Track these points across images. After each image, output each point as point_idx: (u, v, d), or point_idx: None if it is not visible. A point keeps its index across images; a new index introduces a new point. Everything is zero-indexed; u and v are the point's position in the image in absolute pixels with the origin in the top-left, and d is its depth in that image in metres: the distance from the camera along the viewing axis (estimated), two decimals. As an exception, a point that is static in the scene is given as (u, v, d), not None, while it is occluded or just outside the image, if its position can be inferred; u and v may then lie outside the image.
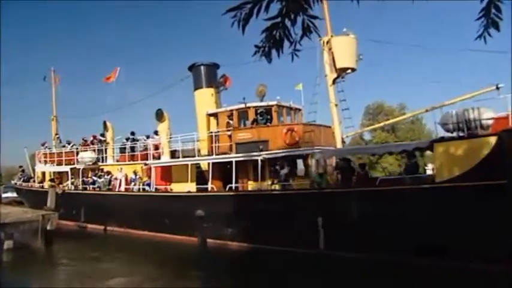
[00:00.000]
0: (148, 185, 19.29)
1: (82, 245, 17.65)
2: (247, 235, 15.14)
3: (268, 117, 17.08)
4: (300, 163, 17.13)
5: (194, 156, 18.87)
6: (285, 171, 15.44)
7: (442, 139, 12.08)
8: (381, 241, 11.79)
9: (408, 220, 11.44)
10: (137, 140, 21.99)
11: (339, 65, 16.09)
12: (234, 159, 16.64)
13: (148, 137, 21.69)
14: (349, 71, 16.31)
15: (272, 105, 17.24)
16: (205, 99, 20.09)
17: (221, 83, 20.34)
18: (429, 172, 16.58)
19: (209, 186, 17.55)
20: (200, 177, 18.92)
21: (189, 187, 18.23)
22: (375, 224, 11.90)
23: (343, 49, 16.13)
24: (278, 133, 16.03)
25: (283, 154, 15.46)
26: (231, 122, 17.31)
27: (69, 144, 25.51)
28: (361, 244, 12.05)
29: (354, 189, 12.57)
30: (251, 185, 16.98)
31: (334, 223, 12.94)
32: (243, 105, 17.55)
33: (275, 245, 13.86)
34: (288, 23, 3.62)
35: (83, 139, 25.33)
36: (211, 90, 20.20)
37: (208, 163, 17.93)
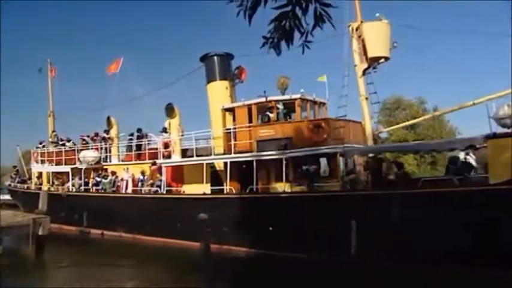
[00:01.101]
0: (159, 186, 18.48)
1: (76, 251, 17.12)
2: (266, 241, 14.43)
3: (285, 111, 16.21)
4: (323, 162, 16.39)
5: (207, 155, 18.09)
6: (312, 170, 14.66)
7: (495, 135, 11.28)
8: (427, 249, 11.06)
9: (461, 227, 10.67)
10: (143, 137, 21.15)
11: (370, 54, 15.30)
12: (255, 158, 15.83)
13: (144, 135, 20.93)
14: (382, 60, 15.49)
15: (295, 99, 16.41)
16: (219, 92, 19.22)
17: (236, 75, 19.53)
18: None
19: (227, 187, 16.77)
20: (214, 178, 18.15)
21: (203, 189, 17.44)
22: (421, 230, 11.15)
23: (375, 36, 15.32)
24: (304, 129, 15.21)
25: (311, 152, 14.64)
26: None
27: (68, 141, 24.60)
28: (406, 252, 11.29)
29: (400, 192, 11.77)
30: (272, 187, 16.17)
31: (370, 229, 12.16)
32: (263, 99, 16.71)
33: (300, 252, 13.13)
34: (298, 11, 3.46)
35: (81, 138, 24.42)
36: (226, 83, 19.34)
37: (225, 163, 17.12)
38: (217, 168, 18.71)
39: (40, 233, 15.99)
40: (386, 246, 11.68)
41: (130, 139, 21.41)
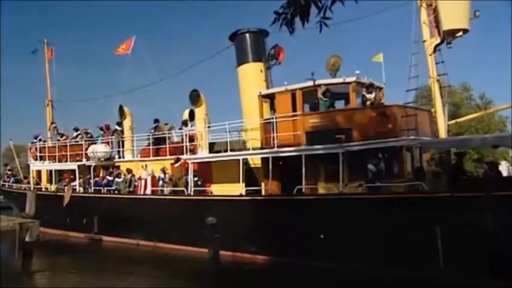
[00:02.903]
0: (187, 186, 17.04)
1: (76, 261, 16.38)
2: (314, 250, 13.28)
3: (325, 99, 14.68)
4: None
5: (239, 149, 16.79)
6: (379, 168, 13.21)
7: None
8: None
9: None
10: (159, 130, 19.71)
11: (446, 26, 13.70)
12: (304, 153, 14.36)
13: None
14: (459, 33, 13.89)
15: (350, 82, 14.89)
16: (252, 76, 18.12)
17: (273, 56, 18.16)
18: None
19: (268, 187, 15.33)
20: (248, 176, 16.73)
21: (237, 189, 15.99)
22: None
23: (451, 3, 13.69)
24: (366, 118, 13.72)
25: (379, 145, 13.15)
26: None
27: (76, 131, 23.05)
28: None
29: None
30: (324, 187, 14.69)
31: (465, 239, 10.72)
32: (310, 83, 15.20)
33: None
34: None
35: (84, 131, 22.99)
36: (260, 65, 18.20)
37: (264, 159, 15.69)
38: (252, 165, 17.36)
39: (27, 239, 15.25)
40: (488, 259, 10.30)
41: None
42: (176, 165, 17.65)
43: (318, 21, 3.52)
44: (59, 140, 23.57)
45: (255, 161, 17.24)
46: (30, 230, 15.35)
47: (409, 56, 14.59)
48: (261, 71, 18.00)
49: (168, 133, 19.08)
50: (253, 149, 16.21)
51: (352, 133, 13.80)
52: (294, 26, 3.63)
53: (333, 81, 15.14)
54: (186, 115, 19.71)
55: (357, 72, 15.03)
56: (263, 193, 15.88)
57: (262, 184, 16.05)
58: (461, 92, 35.84)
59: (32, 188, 24.71)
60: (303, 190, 14.34)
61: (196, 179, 17.01)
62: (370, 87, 14.53)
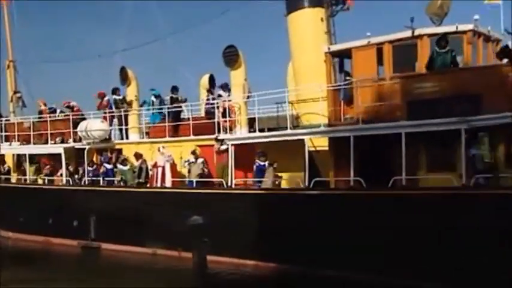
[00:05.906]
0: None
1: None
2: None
3: (443, 50, 11.97)
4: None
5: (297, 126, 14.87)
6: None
7: None
8: None
9: None
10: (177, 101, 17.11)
11: None
12: (405, 130, 11.77)
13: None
14: None
15: (465, 32, 12.28)
16: (309, 27, 15.43)
17: (339, -1, 15.76)
18: None
19: (354, 178, 12.66)
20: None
21: (296, 180, 13.92)
22: None
23: None
24: (502, 81, 11.06)
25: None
26: None
27: (52, 112, 20.33)
28: None
29: None
30: (424, 179, 12.17)
31: None
32: (407, 33, 12.53)
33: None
34: None
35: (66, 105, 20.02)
36: (321, 12, 15.56)
37: (339, 139, 13.17)
38: (311, 149, 14.72)
39: None
40: None
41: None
42: (216, 146, 14.92)
43: None
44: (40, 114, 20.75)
45: (316, 142, 14.59)
46: None
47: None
48: (322, 19, 15.35)
49: (195, 105, 16.49)
50: (324, 125, 13.46)
51: (479, 102, 11.14)
52: None
53: (441, 31, 12.40)
54: (205, 81, 17.39)
55: (476, 17, 12.43)
56: (332, 185, 13.58)
57: (331, 174, 13.63)
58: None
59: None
60: (404, 182, 11.86)
61: (267, 163, 14.26)
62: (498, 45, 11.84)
